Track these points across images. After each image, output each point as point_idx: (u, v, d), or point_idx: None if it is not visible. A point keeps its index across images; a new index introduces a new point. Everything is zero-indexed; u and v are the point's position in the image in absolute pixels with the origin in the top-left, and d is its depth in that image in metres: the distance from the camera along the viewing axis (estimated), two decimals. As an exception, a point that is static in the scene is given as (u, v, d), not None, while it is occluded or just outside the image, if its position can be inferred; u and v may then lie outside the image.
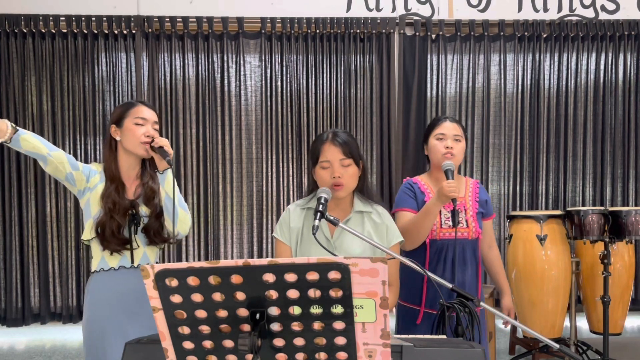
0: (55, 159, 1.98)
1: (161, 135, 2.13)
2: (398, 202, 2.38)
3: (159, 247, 2.17)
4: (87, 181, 2.09)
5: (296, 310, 1.05)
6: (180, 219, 2.07)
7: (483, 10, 4.62)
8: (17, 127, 1.92)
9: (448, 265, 2.27)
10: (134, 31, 4.44)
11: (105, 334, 2.04)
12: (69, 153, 4.42)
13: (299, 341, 1.08)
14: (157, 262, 2.19)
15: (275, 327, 1.07)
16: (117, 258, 2.07)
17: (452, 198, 2.09)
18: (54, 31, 4.41)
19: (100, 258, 2.08)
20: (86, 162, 4.44)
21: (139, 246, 2.09)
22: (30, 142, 1.93)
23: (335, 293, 1.02)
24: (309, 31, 4.51)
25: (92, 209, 2.07)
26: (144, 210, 2.10)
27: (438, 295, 2.24)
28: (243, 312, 1.06)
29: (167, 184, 2.04)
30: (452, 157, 2.29)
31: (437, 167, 2.37)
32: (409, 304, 2.34)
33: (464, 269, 2.30)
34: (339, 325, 1.05)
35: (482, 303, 1.62)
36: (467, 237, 2.31)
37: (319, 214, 1.73)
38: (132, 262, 2.08)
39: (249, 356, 1.07)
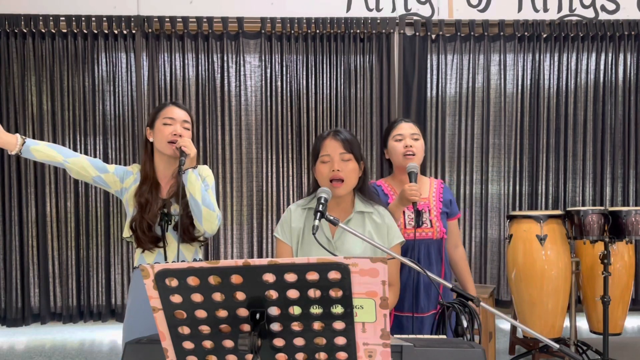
0: (74, 165, 2.07)
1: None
2: None
3: (196, 244, 2.23)
4: (121, 182, 2.20)
5: (296, 310, 1.05)
6: (205, 217, 2.11)
7: (483, 10, 4.62)
8: (26, 139, 2.00)
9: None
10: (134, 31, 4.43)
11: (147, 328, 2.07)
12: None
13: (299, 341, 1.08)
14: (195, 260, 2.25)
15: (275, 327, 1.07)
16: (152, 255, 2.17)
17: (413, 201, 2.13)
18: (54, 31, 4.41)
19: (139, 254, 2.19)
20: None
21: (169, 244, 2.16)
22: (43, 152, 2.02)
23: (335, 293, 1.02)
24: (309, 31, 4.50)
25: (129, 208, 2.18)
26: (176, 208, 2.17)
27: (404, 296, 2.28)
28: (243, 312, 1.06)
29: (189, 184, 2.10)
30: (412, 156, 2.33)
31: (399, 169, 2.41)
32: (399, 312, 2.35)
33: (429, 268, 2.33)
34: (339, 325, 1.05)
35: (482, 304, 1.62)
36: (432, 237, 2.35)
37: (318, 214, 1.73)
38: (166, 259, 2.15)
39: (249, 356, 1.07)
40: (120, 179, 2.19)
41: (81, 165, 2.08)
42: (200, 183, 2.13)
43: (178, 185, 2.18)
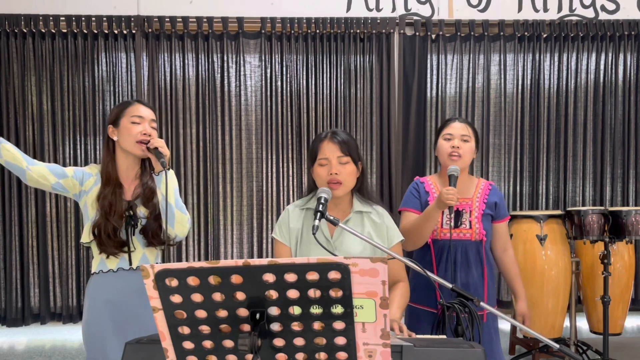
0: (34, 172, 1.96)
1: (161, 135, 2.12)
2: (403, 202, 2.40)
3: (159, 248, 2.14)
4: (81, 184, 2.07)
5: (296, 310, 1.05)
6: (178, 220, 2.04)
7: (483, 10, 4.62)
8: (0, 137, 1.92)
9: (450, 266, 2.26)
10: (134, 31, 4.44)
11: (105, 335, 2.04)
12: (69, 153, 4.45)
13: (299, 341, 1.08)
14: (157, 263, 2.17)
15: (275, 327, 1.07)
16: (115, 260, 2.05)
17: (449, 206, 2.08)
18: (54, 31, 4.41)
19: (99, 260, 2.07)
20: (86, 162, 4.45)
21: (136, 248, 2.06)
22: (11, 152, 1.92)
23: (335, 293, 1.02)
24: (309, 31, 4.50)
25: (89, 212, 2.06)
26: (142, 211, 2.07)
27: (448, 296, 2.25)
28: (243, 312, 1.06)
29: (163, 186, 2.01)
30: (458, 157, 2.28)
31: (445, 168, 2.35)
32: (420, 305, 2.33)
33: (467, 270, 2.29)
34: (339, 325, 1.05)
35: (482, 303, 1.62)
36: (470, 239, 2.29)
37: (319, 214, 1.73)
38: (130, 264, 2.06)
39: (249, 356, 1.07)
40: (80, 182, 2.06)
41: (41, 173, 1.97)
42: (175, 185, 2.06)
43: (145, 186, 2.08)
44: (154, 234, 2.07)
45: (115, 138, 2.08)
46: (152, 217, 2.07)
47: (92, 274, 2.10)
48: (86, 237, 2.05)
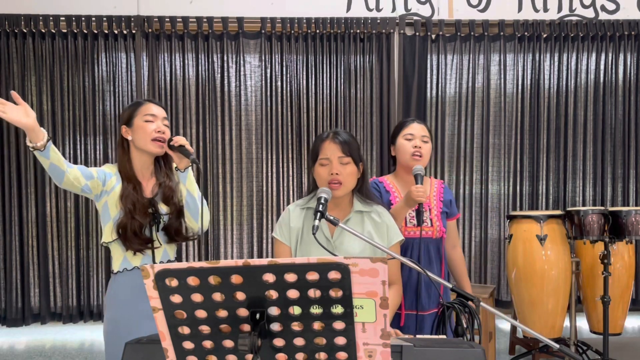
0: (71, 175, 1.99)
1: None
2: None
3: (176, 244, 2.21)
4: (103, 185, 2.10)
5: (296, 310, 1.05)
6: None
7: (483, 10, 4.62)
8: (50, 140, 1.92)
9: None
10: (134, 31, 4.44)
11: (131, 333, 2.04)
12: (69, 153, 4.45)
13: (299, 341, 1.08)
14: (175, 258, 2.26)
15: (275, 327, 1.07)
16: (139, 257, 2.10)
17: (420, 202, 2.14)
18: (54, 31, 4.41)
19: (122, 258, 2.11)
20: (86, 161, 4.45)
21: (160, 244, 2.12)
22: (57, 155, 1.95)
23: (335, 293, 1.02)
24: (309, 31, 4.50)
25: (110, 211, 2.09)
26: (163, 208, 2.12)
27: (414, 296, 2.28)
28: (243, 312, 1.06)
29: (188, 182, 2.07)
30: (419, 158, 2.34)
31: (403, 167, 2.41)
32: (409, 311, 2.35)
33: (429, 267, 2.34)
34: (339, 325, 1.05)
35: (482, 303, 1.62)
36: (432, 236, 2.37)
37: (319, 214, 1.73)
38: (154, 260, 2.11)
39: (249, 356, 1.07)
40: (102, 182, 2.09)
41: (75, 176, 2.00)
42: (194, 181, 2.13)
43: (164, 185, 2.13)
44: (177, 231, 2.14)
45: (129, 138, 2.12)
46: (174, 215, 2.13)
47: (114, 273, 2.14)
48: (108, 236, 2.08)
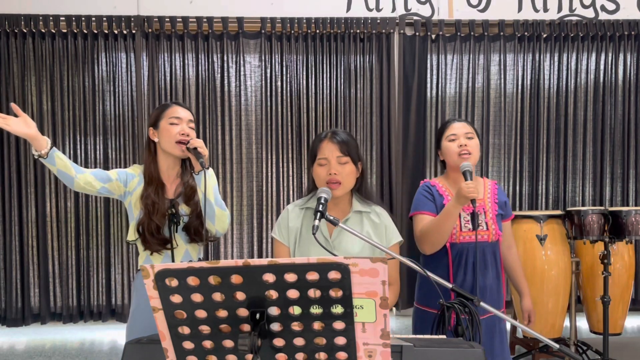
0: (81, 180, 2.05)
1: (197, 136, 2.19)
2: (417, 205, 2.35)
3: (201, 244, 2.23)
4: (125, 186, 2.16)
5: (296, 310, 1.05)
6: (218, 217, 2.12)
7: (483, 10, 4.62)
8: (54, 147, 1.99)
9: (469, 269, 2.25)
10: (134, 31, 4.43)
11: (150, 330, 2.07)
12: (69, 153, 4.44)
13: (299, 341, 1.08)
14: (200, 259, 2.28)
15: (275, 327, 1.07)
16: (159, 257, 2.15)
17: (472, 199, 2.06)
18: (54, 31, 4.41)
19: (145, 257, 2.17)
20: (86, 162, 4.45)
21: (178, 245, 2.15)
22: (63, 161, 2.00)
23: (335, 293, 1.02)
24: (309, 31, 4.50)
25: (134, 211, 2.15)
26: (184, 209, 2.16)
27: (446, 296, 2.24)
28: (243, 312, 1.06)
29: (202, 184, 2.10)
30: (468, 155, 2.26)
31: (453, 169, 2.34)
32: (427, 308, 2.29)
33: (484, 272, 2.27)
34: (339, 325, 1.05)
35: (482, 303, 1.61)
36: (487, 240, 2.28)
37: (319, 213, 1.73)
38: (173, 260, 2.14)
39: (249, 356, 1.07)
40: (124, 183, 2.16)
41: (87, 181, 2.06)
42: (214, 183, 2.14)
43: (186, 185, 2.18)
44: (196, 231, 2.16)
45: (155, 139, 2.18)
46: (194, 215, 2.15)
47: (138, 270, 2.20)
48: (132, 235, 2.14)
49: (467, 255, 2.25)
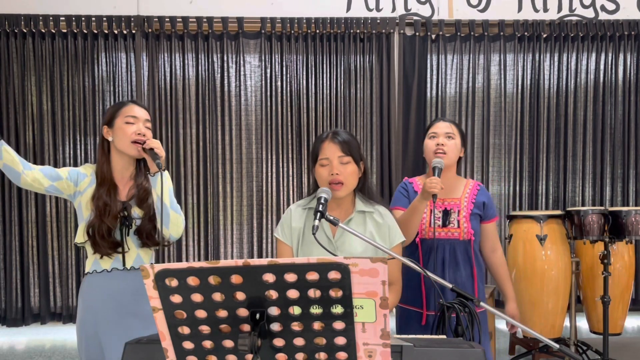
0: (28, 177, 1.96)
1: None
2: (393, 201, 2.45)
3: (153, 248, 2.14)
4: (75, 185, 2.07)
5: (296, 310, 1.05)
6: (172, 221, 2.04)
7: (483, 10, 4.62)
8: (2, 140, 1.92)
9: (438, 265, 2.28)
10: (134, 31, 4.44)
11: (100, 335, 2.04)
12: (69, 153, 4.44)
13: (299, 341, 1.08)
14: (152, 264, 2.17)
15: (275, 327, 1.07)
16: (109, 260, 2.06)
17: (433, 194, 2.09)
18: (54, 31, 4.41)
19: (93, 260, 2.07)
20: (86, 161, 4.44)
21: (130, 249, 2.06)
22: (11, 155, 1.92)
23: (335, 293, 1.02)
24: (309, 31, 4.50)
25: (83, 212, 2.06)
26: (136, 212, 2.07)
27: (437, 296, 2.24)
28: (243, 312, 1.06)
29: (158, 186, 2.01)
30: (443, 154, 2.30)
31: (430, 167, 2.37)
32: (409, 306, 2.34)
33: (455, 269, 2.30)
34: (339, 325, 1.05)
35: (482, 303, 1.62)
36: (458, 238, 2.31)
37: (318, 214, 1.73)
38: (124, 264, 2.06)
39: (249, 356, 1.07)
40: (74, 183, 2.06)
41: (34, 177, 1.97)
42: (170, 186, 2.06)
43: (140, 187, 2.08)
44: (148, 235, 2.07)
45: (110, 138, 2.09)
46: (147, 218, 2.07)
47: (85, 274, 2.11)
48: (80, 237, 2.05)
49: (436, 251, 2.28)
